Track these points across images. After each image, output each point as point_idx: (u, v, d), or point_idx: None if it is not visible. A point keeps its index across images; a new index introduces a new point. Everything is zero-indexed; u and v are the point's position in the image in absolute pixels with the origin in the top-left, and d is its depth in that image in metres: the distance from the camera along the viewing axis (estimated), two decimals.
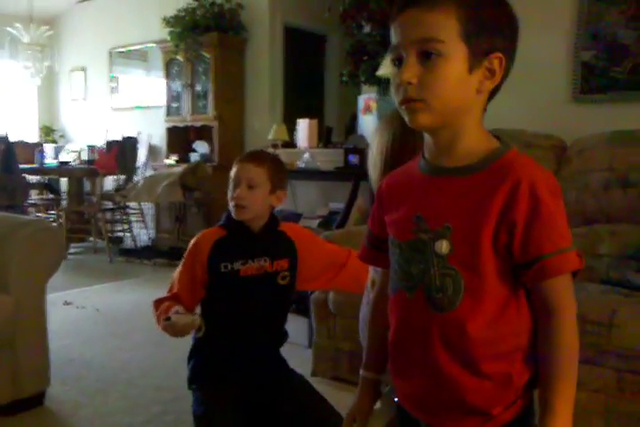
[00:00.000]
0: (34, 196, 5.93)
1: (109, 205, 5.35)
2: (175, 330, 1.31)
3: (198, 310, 1.51)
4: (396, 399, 0.97)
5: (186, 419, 1.58)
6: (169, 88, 5.52)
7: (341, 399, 1.47)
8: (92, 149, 5.86)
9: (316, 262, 1.56)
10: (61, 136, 6.99)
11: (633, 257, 1.94)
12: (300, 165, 3.36)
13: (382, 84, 3.70)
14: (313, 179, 3.45)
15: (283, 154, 1.42)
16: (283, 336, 1.56)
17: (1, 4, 6.09)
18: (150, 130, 5.80)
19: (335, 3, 3.98)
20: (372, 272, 1.21)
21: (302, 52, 5.61)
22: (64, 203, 5.75)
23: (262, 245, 1.49)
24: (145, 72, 6.24)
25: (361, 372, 1.04)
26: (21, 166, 5.22)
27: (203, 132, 5.36)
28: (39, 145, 6.13)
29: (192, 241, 1.51)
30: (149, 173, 5.50)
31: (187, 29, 5.03)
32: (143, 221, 5.54)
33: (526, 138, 2.50)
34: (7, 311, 1.95)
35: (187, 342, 1.53)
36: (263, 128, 5.04)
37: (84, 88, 6.78)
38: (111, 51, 6.41)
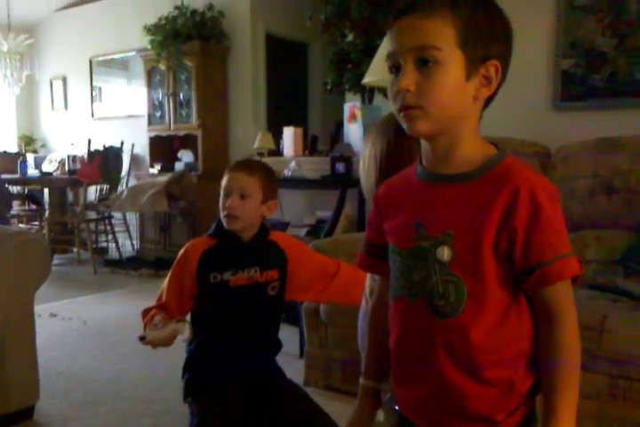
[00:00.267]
0: (16, 207, 5.86)
1: (93, 215, 5.30)
2: (156, 345, 1.30)
3: (188, 317, 1.49)
4: (396, 408, 0.97)
5: None
6: (150, 97, 5.50)
7: (334, 409, 1.47)
8: (73, 158, 5.81)
9: (306, 273, 1.55)
10: (42, 146, 6.92)
11: (620, 262, 1.97)
12: (287, 173, 3.36)
13: (367, 93, 3.73)
14: (299, 187, 3.45)
15: (269, 163, 1.43)
16: (276, 346, 1.56)
17: None
18: (133, 139, 5.77)
19: (317, 11, 4.00)
20: (371, 281, 1.21)
21: (285, 61, 5.63)
22: (47, 214, 5.67)
23: (252, 254, 1.48)
24: (126, 81, 6.21)
25: (360, 380, 1.03)
26: (3, 177, 5.16)
27: (186, 141, 5.34)
28: (21, 155, 6.05)
29: (181, 251, 1.50)
30: (133, 182, 5.47)
31: (168, 38, 5.02)
32: (127, 231, 5.50)
33: (510, 145, 2.53)
34: None
35: (176, 354, 1.52)
36: (247, 136, 5.04)
37: (65, 97, 6.73)
38: (92, 59, 6.37)
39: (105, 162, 5.16)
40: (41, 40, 6.76)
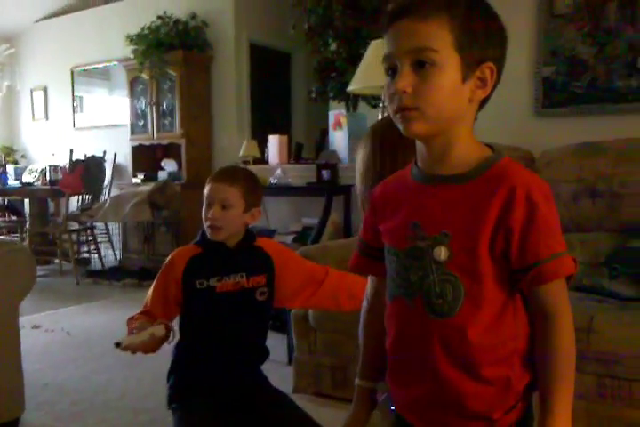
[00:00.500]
0: None
1: (75, 225, 5.24)
2: (134, 350, 1.28)
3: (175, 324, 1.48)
4: (392, 408, 0.97)
5: None
6: (133, 106, 5.47)
7: (324, 416, 1.46)
8: (55, 168, 5.75)
9: (293, 278, 1.55)
10: (22, 156, 6.84)
11: (605, 265, 2.00)
12: (273, 180, 3.37)
13: (351, 101, 3.76)
14: (285, 194, 3.46)
15: (255, 170, 1.43)
16: (263, 353, 1.55)
17: None
18: (115, 149, 5.73)
19: (300, 20, 4.03)
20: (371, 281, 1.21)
21: (268, 70, 5.65)
22: (28, 224, 5.60)
23: (238, 260, 1.47)
24: (108, 90, 6.18)
25: (356, 381, 1.03)
26: None
27: (170, 150, 5.32)
28: (0, 166, 5.98)
29: (167, 258, 1.49)
30: (115, 192, 5.42)
31: (151, 47, 5.01)
32: (110, 241, 5.45)
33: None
34: None
35: (162, 363, 1.50)
36: (231, 145, 5.04)
37: (46, 107, 6.67)
38: (73, 69, 6.33)
39: (87, 172, 5.11)
40: (22, 50, 6.71)
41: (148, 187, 4.78)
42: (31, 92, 6.75)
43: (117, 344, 1.23)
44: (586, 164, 2.25)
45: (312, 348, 2.24)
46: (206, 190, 1.46)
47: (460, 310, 0.81)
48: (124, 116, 5.60)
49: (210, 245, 1.47)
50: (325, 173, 3.13)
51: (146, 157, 5.48)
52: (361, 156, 1.18)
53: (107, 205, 4.78)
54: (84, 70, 6.27)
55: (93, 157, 5.41)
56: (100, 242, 5.36)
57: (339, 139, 3.43)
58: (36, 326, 3.37)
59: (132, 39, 5.08)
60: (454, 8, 0.79)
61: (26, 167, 6.40)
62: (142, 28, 5.08)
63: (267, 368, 1.55)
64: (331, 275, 1.58)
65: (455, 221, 0.82)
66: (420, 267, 0.84)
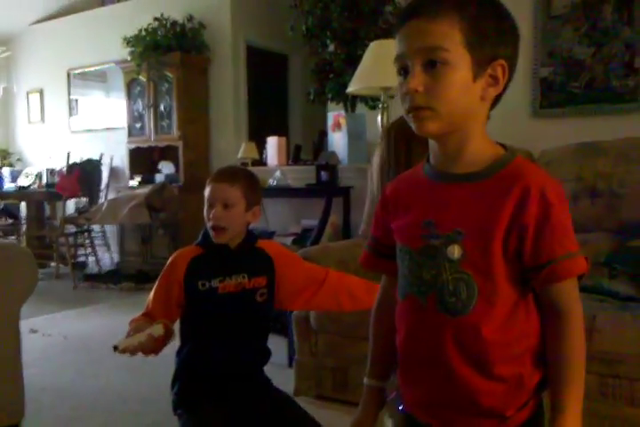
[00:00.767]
0: None
1: (71, 229, 5.22)
2: (132, 352, 1.27)
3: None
4: (400, 407, 0.97)
5: None
6: (130, 108, 5.47)
7: (326, 418, 1.46)
8: (51, 172, 5.73)
9: (294, 280, 1.54)
10: (18, 159, 6.82)
11: (605, 264, 2.00)
12: (272, 182, 3.36)
13: (349, 102, 3.76)
14: (284, 196, 3.46)
15: (254, 172, 1.44)
16: (266, 354, 1.55)
17: None
18: (111, 151, 5.72)
19: (297, 22, 4.03)
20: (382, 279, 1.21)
21: (265, 72, 5.65)
22: (24, 228, 5.58)
23: (240, 261, 1.47)
24: (104, 93, 6.17)
25: (365, 380, 1.03)
26: None
27: (167, 153, 5.31)
28: None
29: (168, 260, 1.49)
30: (112, 195, 5.41)
31: (148, 49, 5.01)
32: (106, 244, 5.43)
33: None
34: None
35: (162, 366, 1.49)
36: (229, 147, 5.03)
37: (42, 110, 6.65)
38: (69, 72, 6.32)
39: (84, 175, 5.10)
40: (18, 53, 6.70)
41: (146, 189, 4.77)
42: (27, 94, 6.73)
43: (115, 347, 1.23)
44: (585, 163, 2.25)
45: (313, 350, 2.24)
46: (207, 192, 1.46)
47: (474, 308, 0.81)
48: (121, 119, 5.59)
49: (211, 246, 1.46)
50: (324, 175, 3.13)
51: (143, 160, 5.47)
52: (376, 154, 1.19)
53: (104, 207, 4.77)
54: (80, 73, 6.26)
55: (90, 160, 5.39)
56: (97, 245, 5.34)
57: (338, 140, 3.43)
58: (33, 331, 3.35)
59: (128, 41, 5.07)
60: (465, 7, 0.80)
61: (22, 170, 6.38)
62: (139, 30, 5.07)
63: (267, 371, 1.54)
64: (331, 276, 1.58)
65: (469, 219, 0.82)
66: (433, 265, 0.84)
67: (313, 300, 1.58)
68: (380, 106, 3.10)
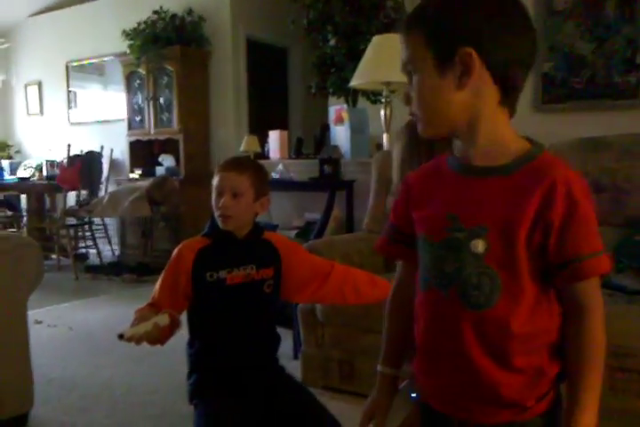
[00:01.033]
0: None
1: (72, 221, 5.23)
2: (138, 341, 1.26)
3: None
4: (413, 395, 0.98)
5: None
6: (130, 101, 5.46)
7: (333, 409, 1.47)
8: (52, 164, 5.73)
9: (300, 272, 1.55)
10: (17, 151, 6.80)
11: (611, 258, 2.03)
12: (275, 176, 3.38)
13: (350, 96, 3.77)
14: (287, 190, 3.47)
15: None
16: (276, 339, 1.55)
17: None
18: (110, 144, 5.72)
19: (299, 15, 4.04)
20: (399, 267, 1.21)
21: (265, 65, 5.65)
22: (25, 220, 5.58)
23: (248, 252, 1.47)
24: (102, 86, 6.15)
25: (378, 367, 1.03)
26: None
27: (167, 146, 5.32)
28: None
29: (174, 251, 1.48)
30: (112, 187, 5.42)
31: (148, 42, 5.00)
32: (107, 236, 5.44)
33: None
34: None
35: (169, 356, 1.49)
36: (229, 140, 5.04)
37: (41, 102, 6.63)
38: (68, 64, 6.30)
39: (85, 167, 5.10)
40: (16, 45, 6.67)
41: (147, 182, 4.77)
42: (25, 86, 6.71)
43: (120, 336, 1.21)
44: (590, 158, 2.27)
45: (320, 341, 2.26)
46: (215, 181, 1.45)
47: (498, 302, 0.82)
48: (120, 112, 5.58)
49: (219, 237, 1.46)
50: (327, 168, 3.14)
51: (143, 153, 5.47)
52: (397, 148, 1.21)
53: (105, 200, 4.78)
54: (79, 65, 6.24)
55: (91, 152, 5.39)
56: (98, 237, 5.35)
57: (340, 133, 3.44)
58: (38, 321, 3.36)
59: (128, 34, 5.06)
60: (426, 14, 0.84)
61: (21, 162, 6.37)
62: (139, 23, 5.06)
63: None
64: (336, 269, 1.59)
65: (493, 213, 0.82)
66: (457, 259, 0.84)
67: (318, 292, 1.59)
68: (383, 100, 3.11)
